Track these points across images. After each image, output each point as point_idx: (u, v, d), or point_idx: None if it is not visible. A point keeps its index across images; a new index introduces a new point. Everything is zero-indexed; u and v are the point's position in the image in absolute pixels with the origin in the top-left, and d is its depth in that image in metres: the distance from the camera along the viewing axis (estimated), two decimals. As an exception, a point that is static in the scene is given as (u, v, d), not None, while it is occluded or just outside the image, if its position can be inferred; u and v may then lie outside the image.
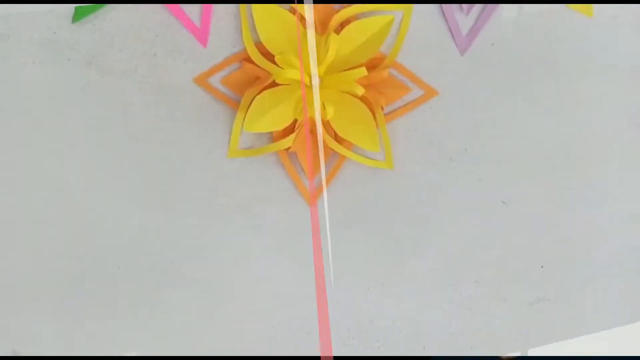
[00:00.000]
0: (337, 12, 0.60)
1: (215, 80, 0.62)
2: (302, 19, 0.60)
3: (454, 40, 0.62)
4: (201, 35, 0.61)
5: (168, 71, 0.62)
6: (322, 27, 0.61)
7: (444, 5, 0.61)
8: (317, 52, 0.59)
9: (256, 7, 0.60)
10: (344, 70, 0.60)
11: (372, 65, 0.61)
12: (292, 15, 0.60)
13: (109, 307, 0.63)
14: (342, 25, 0.60)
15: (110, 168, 0.63)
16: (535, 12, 0.61)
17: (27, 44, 0.62)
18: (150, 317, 0.63)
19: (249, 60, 0.61)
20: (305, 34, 0.57)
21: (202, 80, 0.62)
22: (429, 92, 0.62)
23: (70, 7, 0.61)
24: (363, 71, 0.57)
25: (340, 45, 0.59)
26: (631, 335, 0.63)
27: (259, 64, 0.60)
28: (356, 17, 0.61)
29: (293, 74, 0.58)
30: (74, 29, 0.62)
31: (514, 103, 0.62)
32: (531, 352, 0.64)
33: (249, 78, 0.61)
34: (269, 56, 0.60)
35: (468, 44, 0.62)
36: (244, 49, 0.61)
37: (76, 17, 0.61)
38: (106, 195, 0.63)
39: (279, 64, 0.58)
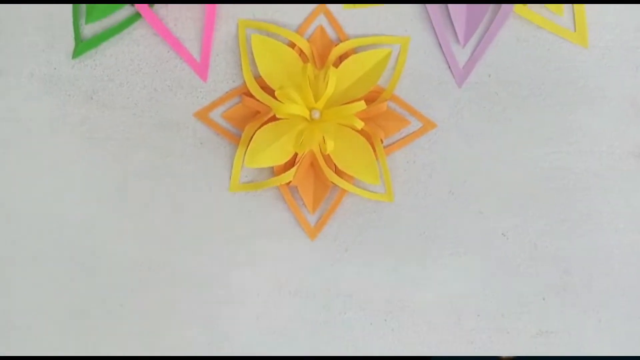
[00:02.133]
0: (336, 45, 0.61)
1: (216, 114, 0.62)
2: (301, 53, 0.61)
3: (451, 72, 0.62)
4: (201, 69, 0.62)
5: (168, 106, 0.62)
6: (320, 61, 0.61)
7: (441, 38, 0.62)
8: (316, 86, 0.59)
9: (255, 41, 0.60)
10: (343, 103, 0.60)
11: (371, 99, 0.61)
12: (291, 49, 0.60)
13: (111, 345, 0.62)
14: (341, 58, 0.61)
15: (110, 204, 0.62)
16: (532, 44, 0.62)
17: (27, 79, 0.62)
18: (154, 355, 0.62)
19: (249, 94, 0.61)
20: (305, 68, 0.58)
21: (202, 115, 0.62)
22: (428, 125, 0.62)
23: (71, 43, 0.61)
24: (362, 105, 0.57)
25: (338, 78, 0.59)
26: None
27: (259, 98, 0.60)
28: (354, 51, 0.61)
29: (293, 108, 0.58)
30: (74, 64, 0.62)
31: (513, 134, 0.62)
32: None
33: (250, 112, 0.61)
34: (269, 90, 0.60)
35: (465, 76, 0.62)
36: (244, 84, 0.61)
37: (76, 52, 0.61)
38: (106, 232, 0.62)
39: (279, 99, 0.58)
